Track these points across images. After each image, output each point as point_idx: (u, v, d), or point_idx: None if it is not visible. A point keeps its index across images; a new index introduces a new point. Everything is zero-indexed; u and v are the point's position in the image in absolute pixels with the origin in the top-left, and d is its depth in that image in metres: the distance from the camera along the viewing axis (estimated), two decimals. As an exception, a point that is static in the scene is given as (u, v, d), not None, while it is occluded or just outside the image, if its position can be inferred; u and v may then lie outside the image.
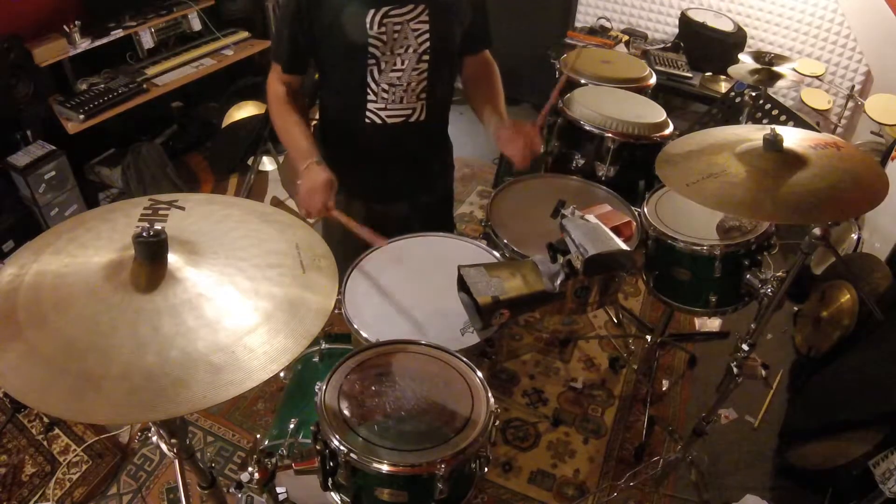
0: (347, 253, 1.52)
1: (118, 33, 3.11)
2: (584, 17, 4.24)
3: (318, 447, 1.11)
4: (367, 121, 1.68)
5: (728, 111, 3.08)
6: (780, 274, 1.51)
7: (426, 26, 1.56)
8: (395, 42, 1.56)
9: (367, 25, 1.52)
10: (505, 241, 1.59)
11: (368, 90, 1.63)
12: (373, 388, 1.16)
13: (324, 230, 1.94)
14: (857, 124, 3.54)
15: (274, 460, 1.16)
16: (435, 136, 1.86)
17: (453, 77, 1.78)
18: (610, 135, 1.87)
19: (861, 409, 1.99)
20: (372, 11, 1.51)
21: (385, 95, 1.64)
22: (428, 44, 1.58)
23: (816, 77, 3.16)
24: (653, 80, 2.42)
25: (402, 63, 1.59)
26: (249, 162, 3.64)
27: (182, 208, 1.05)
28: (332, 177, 1.57)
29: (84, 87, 3.09)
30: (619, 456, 2.29)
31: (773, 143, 1.28)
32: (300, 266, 0.99)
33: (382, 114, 1.67)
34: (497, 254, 1.58)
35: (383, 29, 1.53)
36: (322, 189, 1.55)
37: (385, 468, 1.03)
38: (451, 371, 1.21)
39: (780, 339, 2.78)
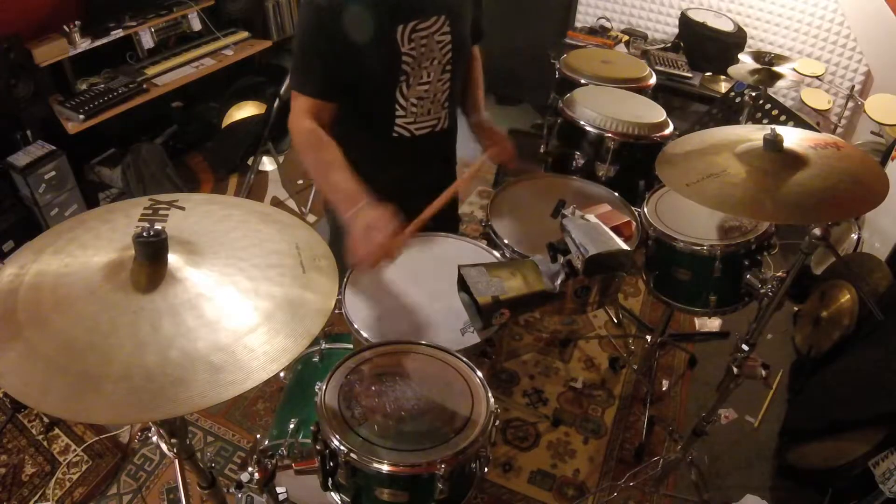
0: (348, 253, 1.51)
1: (118, 33, 3.10)
2: (584, 17, 4.24)
3: (318, 447, 1.11)
4: (394, 135, 1.66)
5: (728, 111, 3.09)
6: (780, 274, 1.50)
7: (448, 37, 1.55)
8: (423, 56, 1.54)
9: (399, 42, 1.49)
10: (505, 241, 1.59)
11: (397, 106, 1.60)
12: (373, 388, 1.16)
13: (330, 232, 1.94)
14: (857, 124, 3.54)
15: (274, 460, 1.16)
16: (452, 138, 1.86)
17: None
18: (610, 135, 1.87)
19: (861, 409, 1.98)
20: (401, 27, 1.48)
21: (414, 109, 1.62)
22: (450, 54, 1.58)
23: (816, 77, 3.15)
24: (653, 80, 2.42)
25: (429, 76, 1.58)
26: (249, 162, 3.64)
27: (182, 208, 1.05)
28: (391, 206, 1.36)
29: (84, 87, 3.09)
30: (619, 456, 2.29)
31: (773, 143, 1.28)
32: (300, 266, 0.99)
33: (411, 127, 1.66)
34: (497, 254, 1.58)
35: (413, 44, 1.51)
36: (387, 220, 1.33)
37: (385, 468, 1.03)
38: (451, 371, 1.21)
39: (780, 339, 2.78)
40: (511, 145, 1.77)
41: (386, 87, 1.58)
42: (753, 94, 2.76)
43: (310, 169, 1.52)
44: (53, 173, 2.89)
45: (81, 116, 2.88)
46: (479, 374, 1.20)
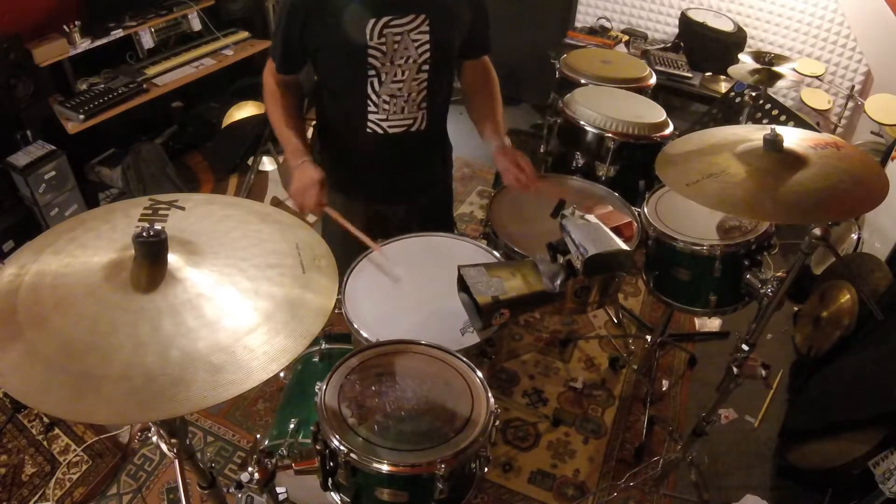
0: (347, 253, 1.52)
1: (118, 33, 3.11)
2: (584, 17, 4.25)
3: (318, 447, 1.11)
4: (368, 130, 1.67)
5: (728, 111, 3.09)
6: (780, 274, 1.50)
7: (427, 36, 1.54)
8: (396, 53, 1.54)
9: (367, 35, 1.49)
10: (505, 241, 1.59)
11: (369, 101, 1.61)
12: (373, 388, 1.16)
13: (324, 231, 1.94)
14: (857, 124, 3.54)
15: (274, 460, 1.16)
16: (435, 141, 1.85)
17: (452, 81, 1.77)
18: (610, 135, 1.87)
19: (861, 409, 1.98)
20: (372, 21, 1.48)
21: (386, 106, 1.62)
22: (428, 54, 1.57)
23: (816, 77, 3.16)
24: (653, 80, 2.42)
25: (403, 74, 1.58)
26: (249, 162, 3.64)
27: (182, 208, 1.05)
28: (323, 175, 1.61)
29: (84, 87, 3.09)
30: (619, 456, 2.29)
31: (773, 143, 1.28)
32: (300, 266, 0.99)
33: (384, 124, 1.66)
34: (497, 254, 1.58)
35: (383, 39, 1.51)
36: (313, 186, 1.59)
37: (385, 468, 1.03)
38: (451, 371, 1.21)
39: (780, 339, 2.78)
40: (527, 167, 1.68)
41: (355, 80, 1.59)
42: (753, 94, 2.76)
43: (271, 118, 1.73)
44: (53, 173, 2.88)
45: (81, 116, 2.88)
46: (479, 374, 1.20)
